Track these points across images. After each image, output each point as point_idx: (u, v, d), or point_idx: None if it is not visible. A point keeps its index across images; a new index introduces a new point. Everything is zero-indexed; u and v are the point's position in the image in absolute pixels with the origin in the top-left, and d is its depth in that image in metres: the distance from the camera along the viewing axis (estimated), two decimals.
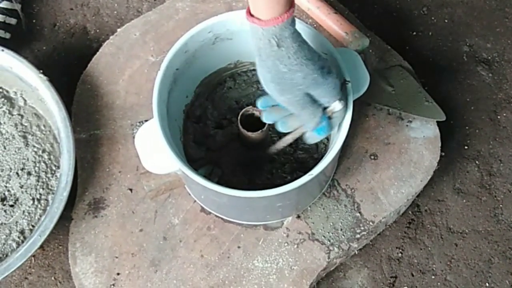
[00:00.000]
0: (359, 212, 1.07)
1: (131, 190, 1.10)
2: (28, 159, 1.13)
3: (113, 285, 1.04)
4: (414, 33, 1.37)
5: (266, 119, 0.87)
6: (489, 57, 1.34)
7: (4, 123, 1.16)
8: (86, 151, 1.13)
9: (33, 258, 1.18)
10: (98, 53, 1.20)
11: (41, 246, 1.08)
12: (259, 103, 0.87)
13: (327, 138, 1.03)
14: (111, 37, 1.22)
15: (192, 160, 1.00)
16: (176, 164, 0.88)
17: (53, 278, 1.17)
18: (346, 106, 0.86)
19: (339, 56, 0.91)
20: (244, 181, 1.02)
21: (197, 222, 1.08)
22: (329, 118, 0.85)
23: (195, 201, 1.08)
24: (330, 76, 0.80)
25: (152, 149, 0.92)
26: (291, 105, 0.82)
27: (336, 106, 0.83)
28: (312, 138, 0.87)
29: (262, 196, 0.86)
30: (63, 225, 1.13)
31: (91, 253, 1.06)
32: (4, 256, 1.08)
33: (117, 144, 1.13)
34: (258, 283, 1.04)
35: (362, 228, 1.07)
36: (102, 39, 1.32)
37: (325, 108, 0.83)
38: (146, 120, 1.06)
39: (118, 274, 1.05)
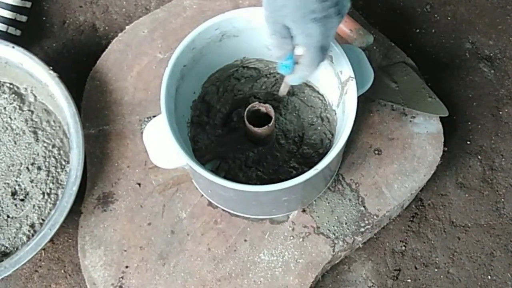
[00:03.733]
0: (364, 206, 1.08)
1: (139, 184, 1.11)
2: (38, 154, 1.14)
3: (122, 277, 1.06)
4: (418, 30, 1.37)
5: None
6: (491, 54, 1.34)
7: (15, 118, 1.16)
8: (95, 146, 1.14)
9: (43, 252, 1.18)
10: (107, 50, 1.21)
11: (51, 240, 1.09)
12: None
13: (332, 134, 1.04)
14: (119, 34, 1.23)
15: (200, 155, 1.00)
16: (184, 159, 0.88)
17: (62, 271, 1.18)
18: (311, 60, 0.82)
19: (344, 53, 0.92)
20: (251, 176, 1.03)
21: (204, 216, 1.08)
22: (296, 63, 0.85)
23: (202, 195, 1.09)
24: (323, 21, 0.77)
25: (160, 144, 0.93)
26: (267, 22, 0.80)
27: (297, 49, 0.82)
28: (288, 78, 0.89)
29: (268, 190, 0.87)
30: (73, 219, 1.14)
31: (100, 246, 1.07)
32: (15, 249, 1.09)
33: (125, 139, 1.14)
34: (264, 276, 1.05)
35: (366, 222, 1.08)
36: (111, 36, 1.32)
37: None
38: (154, 116, 1.06)
39: (126, 267, 1.06)
